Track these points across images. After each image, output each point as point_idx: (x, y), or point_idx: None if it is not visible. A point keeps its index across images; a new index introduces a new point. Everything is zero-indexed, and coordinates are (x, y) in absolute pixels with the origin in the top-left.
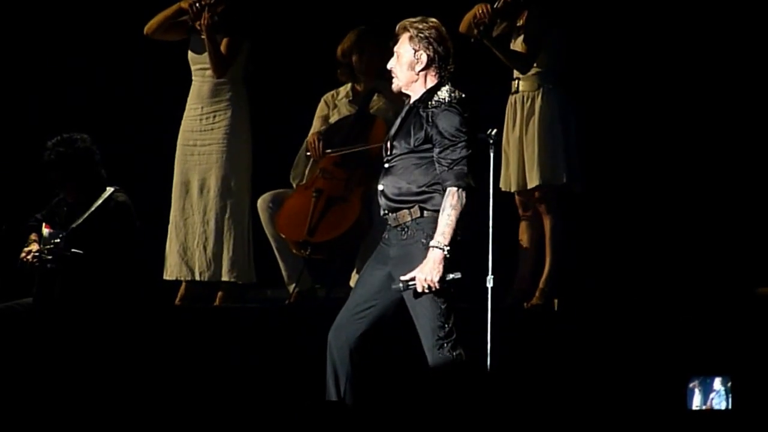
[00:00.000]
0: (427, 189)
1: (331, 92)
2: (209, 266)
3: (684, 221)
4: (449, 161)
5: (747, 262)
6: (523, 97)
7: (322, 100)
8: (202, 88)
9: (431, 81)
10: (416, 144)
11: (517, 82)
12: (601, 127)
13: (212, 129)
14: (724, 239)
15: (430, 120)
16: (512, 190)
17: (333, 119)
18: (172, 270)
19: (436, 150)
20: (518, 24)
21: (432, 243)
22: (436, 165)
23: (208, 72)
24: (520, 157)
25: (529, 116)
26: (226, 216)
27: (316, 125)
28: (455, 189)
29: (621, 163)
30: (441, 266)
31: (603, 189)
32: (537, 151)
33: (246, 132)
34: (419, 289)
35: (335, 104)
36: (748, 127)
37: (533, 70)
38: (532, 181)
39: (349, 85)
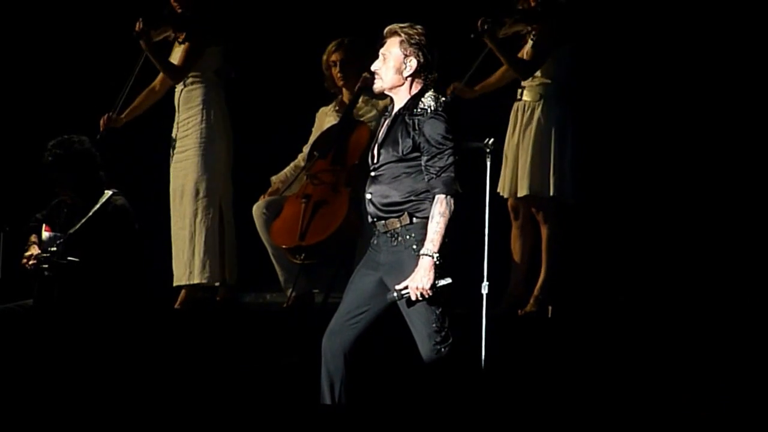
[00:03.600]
0: (416, 197)
1: (324, 107)
2: (185, 269)
3: (678, 231)
4: (437, 169)
5: (739, 271)
6: (524, 105)
7: (317, 114)
8: (178, 97)
9: (416, 87)
10: (405, 152)
11: (521, 90)
12: (600, 141)
13: (187, 135)
14: (717, 249)
15: (416, 128)
16: (505, 196)
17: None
18: (175, 278)
19: (424, 158)
20: (530, 31)
21: (422, 251)
22: (424, 172)
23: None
24: (515, 164)
25: (527, 125)
26: (198, 219)
27: (309, 141)
28: (443, 196)
29: (617, 176)
30: (432, 273)
31: (599, 199)
32: (529, 161)
33: (220, 136)
34: (413, 298)
35: (326, 117)
36: (743, 142)
37: (537, 81)
38: (522, 190)
39: (338, 97)
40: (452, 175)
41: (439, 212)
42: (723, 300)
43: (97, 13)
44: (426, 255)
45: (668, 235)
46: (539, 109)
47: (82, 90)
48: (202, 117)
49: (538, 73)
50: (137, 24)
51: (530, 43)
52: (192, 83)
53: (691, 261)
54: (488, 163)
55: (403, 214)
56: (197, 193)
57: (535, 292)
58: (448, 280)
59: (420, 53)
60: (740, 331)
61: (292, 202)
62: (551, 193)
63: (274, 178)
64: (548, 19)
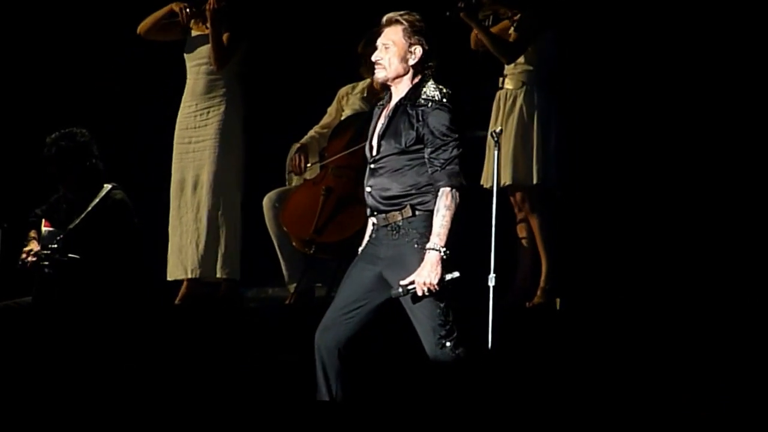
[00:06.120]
0: (418, 190)
1: (348, 86)
2: (201, 263)
3: (682, 217)
4: (442, 161)
5: (746, 256)
6: (506, 94)
7: (338, 93)
8: (197, 85)
9: (417, 77)
10: (408, 144)
11: (503, 78)
12: (586, 128)
13: (206, 125)
14: (718, 246)
15: (420, 119)
16: (487, 186)
17: (346, 112)
18: (171, 271)
19: (428, 150)
20: (513, 16)
21: (428, 245)
22: (428, 165)
23: (203, 68)
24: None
25: (509, 114)
26: (219, 212)
27: (324, 118)
28: (449, 189)
29: (615, 162)
30: (439, 268)
31: (601, 188)
32: (512, 150)
33: (239, 128)
34: (419, 293)
35: (348, 98)
36: (735, 127)
37: (519, 68)
38: (505, 179)
39: (367, 81)
40: (457, 167)
41: (444, 205)
42: (723, 299)
43: (96, 10)
44: (433, 249)
45: (676, 222)
46: (521, 97)
47: (80, 86)
48: (225, 108)
49: (520, 60)
50: (210, 3)
51: (512, 27)
52: (216, 72)
53: (691, 255)
54: (496, 153)
55: (406, 207)
56: (218, 185)
57: (542, 283)
58: (456, 274)
59: (424, 41)
60: (740, 331)
61: (309, 188)
62: (535, 181)
63: (304, 140)
64: (529, 3)
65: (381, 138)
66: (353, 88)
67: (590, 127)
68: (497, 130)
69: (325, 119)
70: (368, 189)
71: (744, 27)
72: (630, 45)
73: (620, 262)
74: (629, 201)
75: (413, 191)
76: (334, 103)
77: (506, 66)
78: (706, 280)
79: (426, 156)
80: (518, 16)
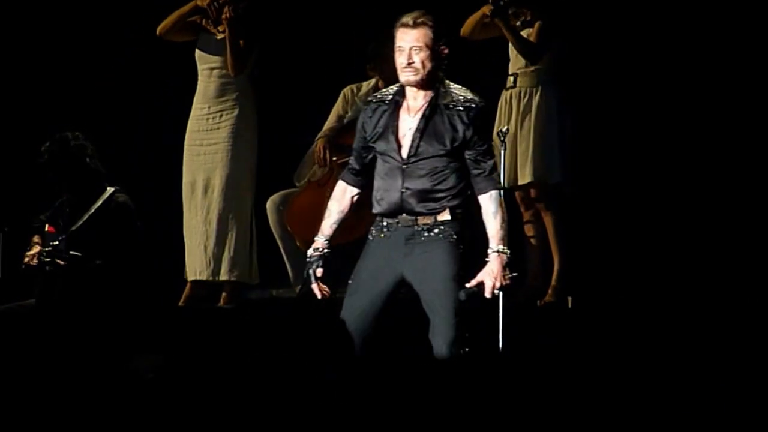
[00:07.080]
0: (456, 191)
1: (353, 86)
2: (208, 265)
3: (694, 215)
4: (490, 164)
5: (753, 253)
6: (520, 92)
7: (342, 93)
8: (209, 88)
9: (439, 78)
10: (454, 146)
11: (514, 77)
12: (604, 124)
13: (218, 128)
14: (734, 234)
15: (465, 120)
16: (504, 186)
17: (350, 114)
18: (188, 270)
19: (473, 152)
20: (528, 18)
21: (494, 248)
22: (473, 167)
23: (215, 71)
24: (512, 153)
25: (525, 112)
26: (229, 216)
27: (331, 119)
28: (497, 192)
29: (626, 160)
30: (507, 269)
31: (613, 185)
32: (531, 148)
33: (252, 131)
34: (488, 295)
35: (354, 100)
36: (745, 127)
37: (533, 66)
38: (524, 178)
39: (372, 81)
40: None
41: (502, 208)
42: (735, 298)
43: (96, 10)
44: (501, 252)
45: (680, 226)
46: (537, 94)
47: (80, 86)
48: (238, 111)
49: None
50: (227, 11)
51: (537, 25)
52: (228, 75)
53: (704, 254)
54: (503, 152)
55: (445, 209)
56: (229, 188)
57: (553, 282)
58: (516, 274)
59: (447, 42)
60: (741, 331)
61: (314, 190)
62: (558, 179)
63: (328, 133)
64: (548, 4)
65: (419, 139)
66: (358, 88)
67: (602, 125)
68: (504, 129)
69: (332, 121)
70: (403, 190)
71: (751, 24)
72: (639, 43)
73: (631, 260)
74: (641, 198)
75: (452, 192)
76: (339, 103)
77: (513, 65)
78: (718, 279)
79: (471, 158)
80: (530, 15)
